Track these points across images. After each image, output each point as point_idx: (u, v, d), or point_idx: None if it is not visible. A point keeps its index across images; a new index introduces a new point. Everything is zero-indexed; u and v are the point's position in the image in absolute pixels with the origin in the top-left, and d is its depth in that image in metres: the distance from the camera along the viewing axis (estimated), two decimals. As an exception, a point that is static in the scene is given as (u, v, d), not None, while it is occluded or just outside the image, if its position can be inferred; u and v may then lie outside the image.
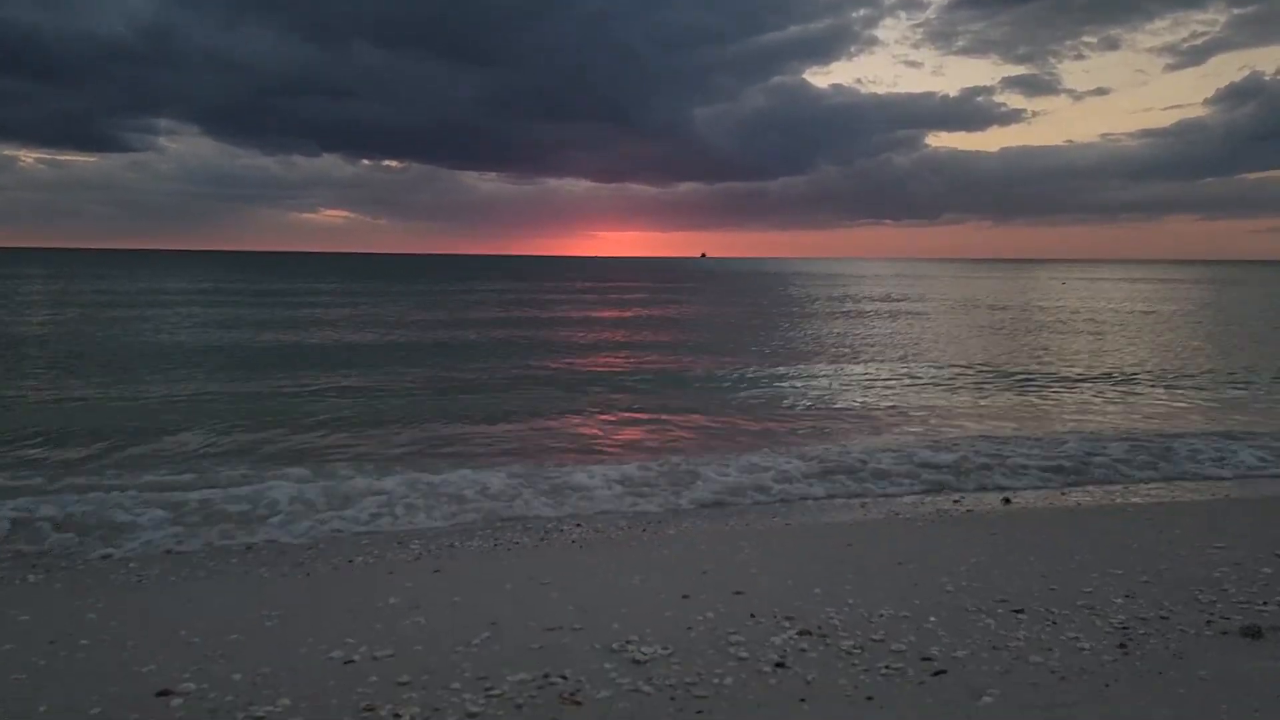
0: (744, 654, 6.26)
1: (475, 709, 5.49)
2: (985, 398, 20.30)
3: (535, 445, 15.41)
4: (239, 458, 14.26)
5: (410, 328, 39.15)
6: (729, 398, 20.39)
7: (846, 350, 30.90)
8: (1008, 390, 21.51)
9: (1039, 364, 26.84)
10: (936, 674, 5.87)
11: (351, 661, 6.24)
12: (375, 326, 39.69)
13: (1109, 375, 24.32)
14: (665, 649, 6.37)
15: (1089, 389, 22.00)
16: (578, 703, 5.56)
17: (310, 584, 8.50)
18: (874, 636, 6.54)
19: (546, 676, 5.92)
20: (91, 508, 11.05)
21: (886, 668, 5.99)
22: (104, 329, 34.63)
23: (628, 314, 49.13)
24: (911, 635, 6.56)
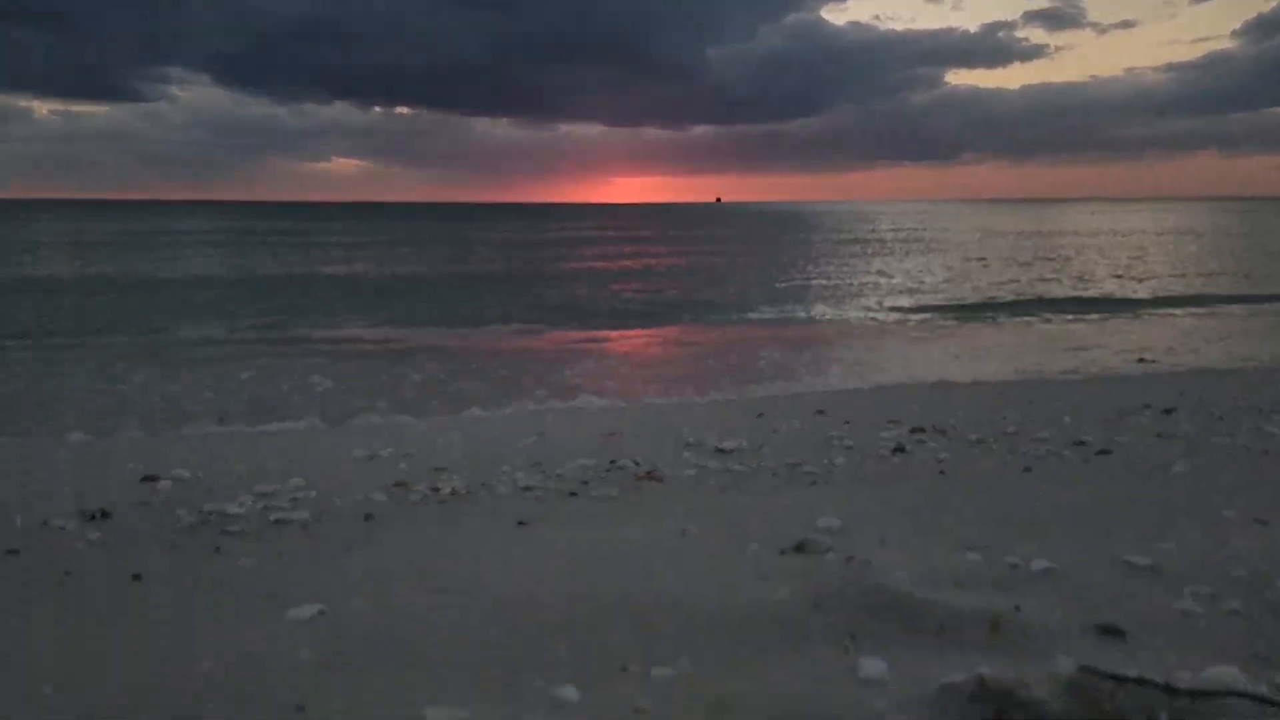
0: (850, 444, 5.17)
1: (531, 483, 4.41)
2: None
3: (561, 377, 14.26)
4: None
5: (425, 262, 37.76)
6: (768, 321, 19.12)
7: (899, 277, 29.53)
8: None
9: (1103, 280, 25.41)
10: (1101, 453, 4.76)
11: (377, 457, 5.18)
12: (390, 261, 38.31)
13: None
14: (752, 443, 5.27)
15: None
16: (658, 479, 4.47)
17: (326, 428, 7.32)
18: (1005, 430, 5.43)
19: (614, 463, 4.84)
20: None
21: (1034, 451, 4.87)
22: (122, 265, 33.43)
23: (642, 249, 47.65)
24: (1050, 430, 5.45)
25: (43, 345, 12.42)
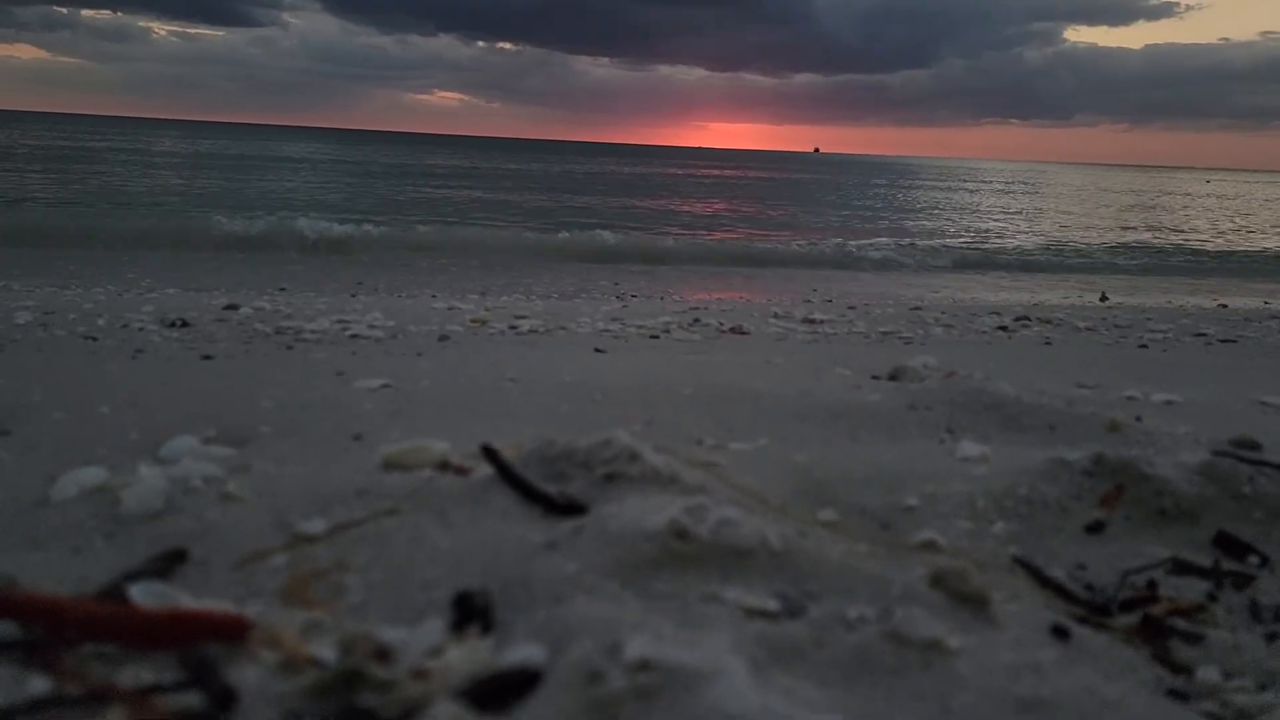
0: (948, 323, 4.87)
1: (611, 328, 4.25)
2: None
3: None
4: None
5: (521, 187, 37.66)
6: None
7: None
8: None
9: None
10: (1225, 341, 4.40)
11: (456, 309, 5.09)
12: (487, 182, 38.30)
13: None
14: (842, 318, 5.02)
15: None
16: (743, 333, 4.28)
17: (412, 298, 7.30)
18: (1117, 323, 5.07)
19: (697, 320, 4.64)
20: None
21: (1150, 337, 4.52)
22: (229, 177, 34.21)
23: (736, 189, 46.74)
24: (1168, 325, 5.06)
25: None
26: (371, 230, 12.00)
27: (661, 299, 6.19)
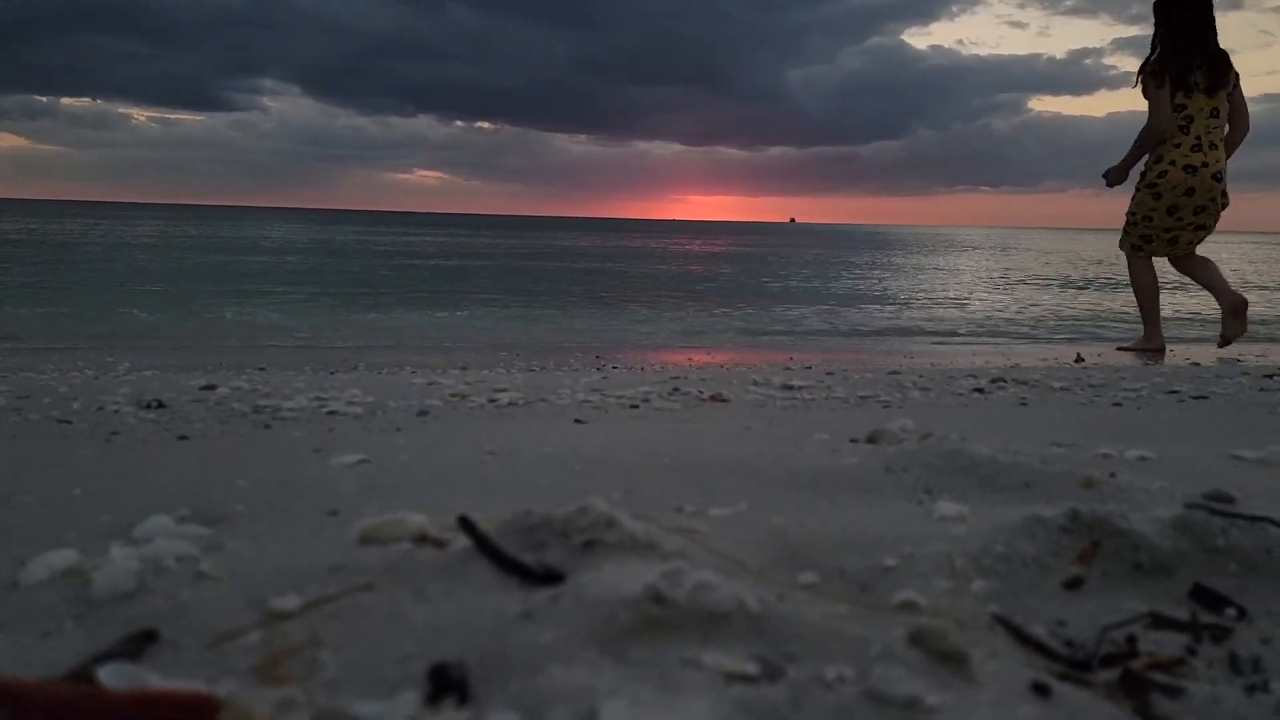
0: (926, 386, 4.90)
1: (591, 399, 4.26)
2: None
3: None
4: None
5: (498, 256, 38.09)
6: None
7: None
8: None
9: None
10: (1197, 397, 4.44)
11: (436, 384, 5.07)
12: (469, 262, 38.71)
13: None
14: (821, 384, 5.05)
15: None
16: (723, 400, 4.29)
17: (391, 375, 7.33)
18: (1091, 383, 5.12)
19: (677, 389, 4.66)
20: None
21: (1124, 396, 4.57)
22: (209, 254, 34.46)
23: (713, 259, 47.36)
24: (1141, 383, 5.12)
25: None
26: (350, 315, 12.12)
27: (642, 369, 6.21)
